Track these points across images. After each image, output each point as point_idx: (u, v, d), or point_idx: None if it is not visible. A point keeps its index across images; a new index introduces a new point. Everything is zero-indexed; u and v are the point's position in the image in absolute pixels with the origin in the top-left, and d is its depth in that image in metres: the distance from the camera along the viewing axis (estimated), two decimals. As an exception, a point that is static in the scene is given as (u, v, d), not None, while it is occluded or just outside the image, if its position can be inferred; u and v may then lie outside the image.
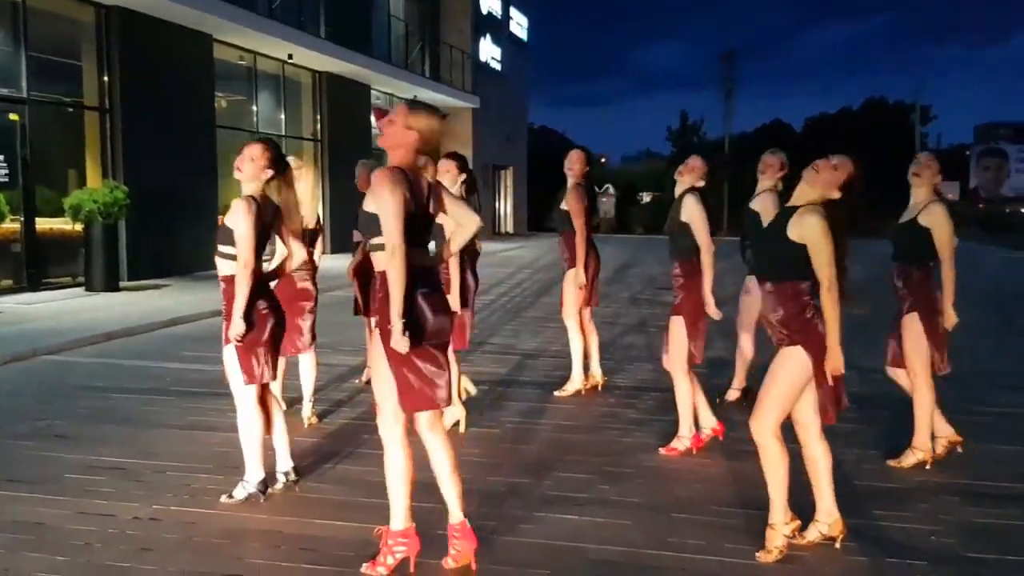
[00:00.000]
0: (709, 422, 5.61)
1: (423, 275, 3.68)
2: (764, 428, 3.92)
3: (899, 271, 5.24)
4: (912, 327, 5.19)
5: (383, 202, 3.54)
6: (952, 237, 5.08)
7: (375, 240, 3.65)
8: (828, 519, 4.09)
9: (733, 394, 6.80)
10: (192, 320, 10.80)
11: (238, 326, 4.37)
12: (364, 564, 3.78)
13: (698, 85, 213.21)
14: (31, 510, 4.44)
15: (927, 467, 5.20)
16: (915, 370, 5.22)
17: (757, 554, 3.98)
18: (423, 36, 28.76)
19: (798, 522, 4.02)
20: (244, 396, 4.53)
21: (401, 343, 3.52)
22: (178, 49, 15.72)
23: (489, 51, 33.02)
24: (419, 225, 3.68)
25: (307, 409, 6.13)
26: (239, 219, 4.38)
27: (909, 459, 5.26)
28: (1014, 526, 4.39)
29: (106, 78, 14.30)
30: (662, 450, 5.51)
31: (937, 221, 5.06)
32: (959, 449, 5.36)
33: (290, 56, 19.37)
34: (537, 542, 4.12)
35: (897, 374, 5.46)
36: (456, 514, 3.83)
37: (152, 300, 12.32)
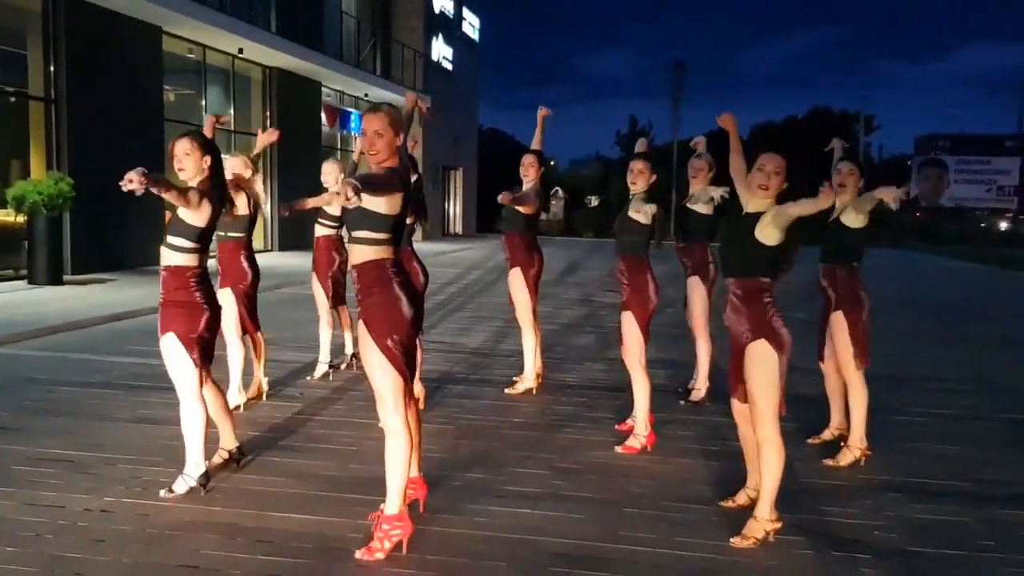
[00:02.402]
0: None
1: (401, 266, 3.94)
2: (767, 424, 4.10)
3: (825, 272, 5.46)
4: (843, 324, 5.37)
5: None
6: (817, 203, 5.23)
7: (359, 233, 3.82)
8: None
9: (697, 394, 6.90)
10: (138, 315, 10.63)
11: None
12: (359, 551, 3.85)
13: (645, 93, 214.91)
14: (-23, 502, 4.36)
15: (861, 463, 5.36)
16: (847, 365, 5.39)
17: (732, 539, 4.11)
18: (375, 34, 28.65)
19: (780, 524, 4.13)
20: (186, 387, 4.51)
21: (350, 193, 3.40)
22: (126, 40, 15.47)
23: (441, 51, 33.00)
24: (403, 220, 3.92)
25: (263, 380, 6.61)
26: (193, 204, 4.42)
27: (846, 457, 5.41)
28: (953, 521, 4.54)
29: (52, 68, 14.01)
30: (619, 448, 5.58)
31: (849, 209, 5.28)
32: (842, 443, 5.54)
33: (240, 50, 19.16)
34: (492, 535, 4.16)
35: (828, 369, 5.67)
36: (413, 470, 4.20)
37: (97, 294, 12.11)
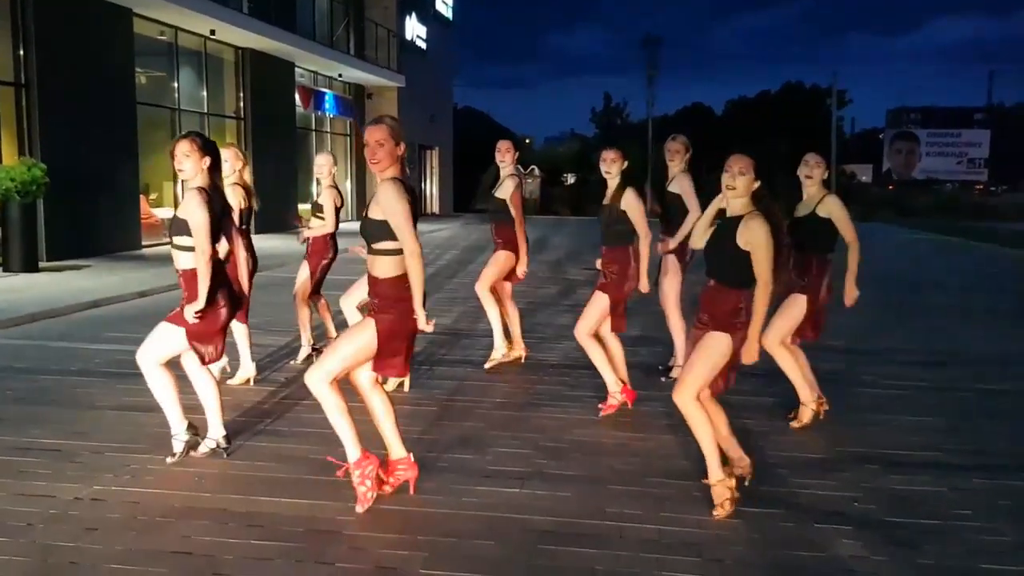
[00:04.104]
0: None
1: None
2: (687, 397, 4.28)
3: (798, 261, 5.58)
4: (797, 304, 5.56)
5: (394, 212, 4.00)
6: (850, 221, 5.56)
7: (379, 245, 4.08)
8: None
9: (678, 371, 6.97)
10: (116, 301, 10.60)
11: (195, 308, 4.58)
12: (357, 506, 4.21)
13: (619, 69, 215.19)
14: (-34, 493, 4.38)
15: (821, 416, 5.63)
16: (775, 336, 5.55)
17: (714, 512, 4.24)
18: (348, 13, 28.40)
19: (734, 479, 4.31)
20: (151, 358, 4.73)
21: (428, 325, 4.16)
22: (97, 23, 15.28)
23: (415, 29, 32.79)
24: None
25: (251, 368, 6.70)
26: (193, 209, 4.57)
27: (806, 414, 5.66)
28: (928, 492, 4.66)
29: (22, 52, 13.81)
30: (600, 406, 5.86)
31: (835, 210, 5.53)
32: (820, 417, 5.72)
33: (212, 32, 18.97)
34: (480, 514, 4.23)
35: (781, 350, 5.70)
36: (400, 450, 4.41)
37: (74, 280, 12.04)
